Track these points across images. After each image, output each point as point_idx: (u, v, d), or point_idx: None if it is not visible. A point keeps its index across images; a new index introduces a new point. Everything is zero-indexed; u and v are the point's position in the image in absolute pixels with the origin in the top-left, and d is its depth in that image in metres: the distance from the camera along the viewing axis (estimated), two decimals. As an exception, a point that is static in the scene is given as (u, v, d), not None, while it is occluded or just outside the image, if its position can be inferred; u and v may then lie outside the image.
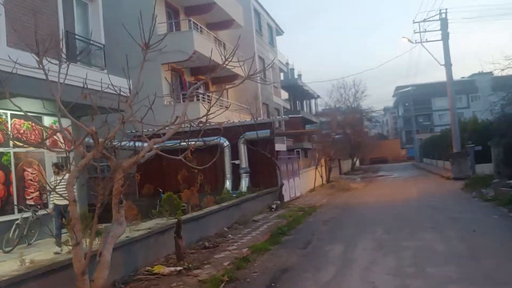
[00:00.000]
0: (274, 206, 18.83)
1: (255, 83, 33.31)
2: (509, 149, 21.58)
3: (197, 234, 11.60)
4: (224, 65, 7.78)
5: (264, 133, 20.35)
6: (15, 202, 14.08)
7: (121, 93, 7.69)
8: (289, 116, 38.17)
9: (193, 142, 18.25)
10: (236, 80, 31.46)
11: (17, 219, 13.17)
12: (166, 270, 8.58)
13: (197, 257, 9.94)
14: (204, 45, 25.13)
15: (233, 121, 21.61)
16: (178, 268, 8.64)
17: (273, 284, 7.86)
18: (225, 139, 20.31)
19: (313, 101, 65.91)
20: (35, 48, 6.87)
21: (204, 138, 18.75)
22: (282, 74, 49.85)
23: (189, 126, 7.94)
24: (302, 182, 26.47)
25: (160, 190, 19.78)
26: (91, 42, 16.38)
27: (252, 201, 17.44)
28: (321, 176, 32.54)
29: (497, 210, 14.85)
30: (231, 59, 7.56)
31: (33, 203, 14.64)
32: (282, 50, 71.24)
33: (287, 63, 51.91)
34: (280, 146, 23.73)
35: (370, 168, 58.77)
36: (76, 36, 15.94)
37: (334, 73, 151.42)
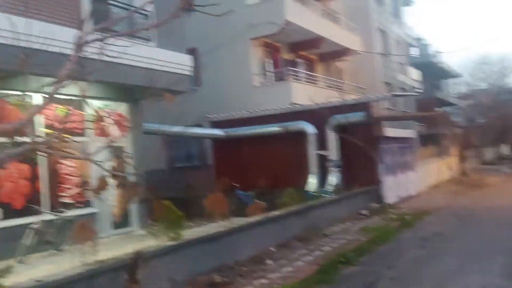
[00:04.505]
0: (366, 211, 14.68)
1: (374, 60, 28.86)
2: None
3: (214, 260, 8.23)
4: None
5: (357, 116, 16.21)
6: (44, 201, 12.04)
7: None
8: (415, 96, 32.77)
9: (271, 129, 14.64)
10: (347, 56, 27.36)
11: (39, 221, 11.05)
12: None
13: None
14: (302, 14, 21.39)
15: (321, 103, 17.73)
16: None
17: None
18: (311, 124, 16.62)
19: (451, 80, 58.20)
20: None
21: (283, 123, 15.49)
22: (413, 50, 43.91)
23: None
24: (420, 177, 21.62)
25: (236, 185, 16.88)
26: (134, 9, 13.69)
27: (332, 206, 13.55)
28: (451, 169, 26.97)
29: None
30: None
31: (70, 202, 12.53)
32: (414, 23, 63.78)
33: (420, 38, 45.65)
34: (395, 132, 19.36)
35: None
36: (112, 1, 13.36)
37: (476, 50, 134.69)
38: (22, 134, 4.13)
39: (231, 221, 9.85)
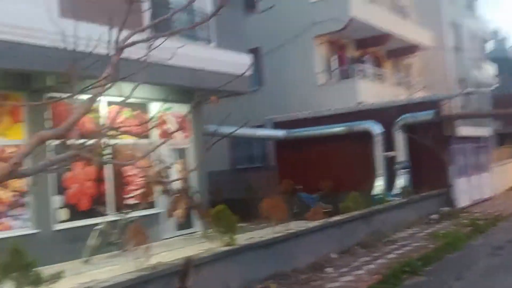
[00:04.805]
0: (436, 216, 13.89)
1: (445, 56, 27.54)
2: None
3: (270, 267, 8.00)
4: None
5: (426, 115, 15.39)
6: (109, 202, 12.32)
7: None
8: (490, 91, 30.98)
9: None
10: (416, 52, 26.26)
11: (109, 221, 11.31)
12: None
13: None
14: (368, 10, 20.73)
15: (388, 101, 17.02)
16: None
17: None
18: (377, 124, 16.00)
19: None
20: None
21: (348, 123, 15.01)
22: (489, 45, 41.58)
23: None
24: (495, 179, 20.31)
25: (299, 187, 16.59)
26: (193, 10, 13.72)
27: (398, 210, 12.93)
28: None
29: None
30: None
31: (134, 203, 12.76)
32: (489, 15, 60.54)
33: (496, 31, 43.23)
34: (469, 131, 18.31)
35: None
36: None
37: None
38: (71, 136, 4.07)
39: (290, 225, 9.60)
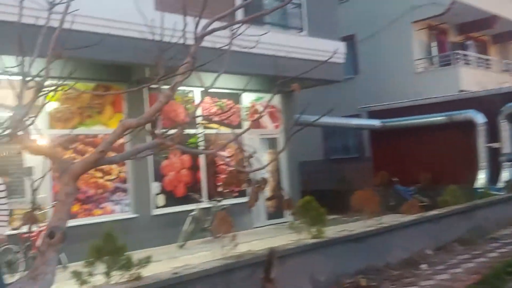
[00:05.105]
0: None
1: None
2: None
3: (360, 261, 7.76)
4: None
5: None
6: (203, 190, 12.71)
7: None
8: None
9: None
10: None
11: (202, 208, 11.69)
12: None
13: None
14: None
15: (493, 89, 15.83)
16: None
17: None
18: (480, 113, 14.98)
19: None
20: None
21: (448, 113, 14.23)
22: None
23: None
24: None
25: (395, 179, 16.05)
26: None
27: (503, 205, 11.99)
28: None
29: None
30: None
31: (227, 191, 13.04)
32: None
33: None
34: None
35: None
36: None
37: None
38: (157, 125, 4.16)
39: (383, 219, 9.28)
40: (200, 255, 9.25)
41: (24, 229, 7.58)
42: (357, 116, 18.42)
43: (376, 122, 17.35)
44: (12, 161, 9.73)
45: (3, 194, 6.21)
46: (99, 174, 10.83)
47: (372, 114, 17.91)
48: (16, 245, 8.65)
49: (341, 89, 17.21)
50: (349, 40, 18.31)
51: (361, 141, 19.84)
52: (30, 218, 5.05)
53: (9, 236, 7.47)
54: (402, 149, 16.54)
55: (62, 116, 10.47)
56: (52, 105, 10.14)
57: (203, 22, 3.96)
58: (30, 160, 9.29)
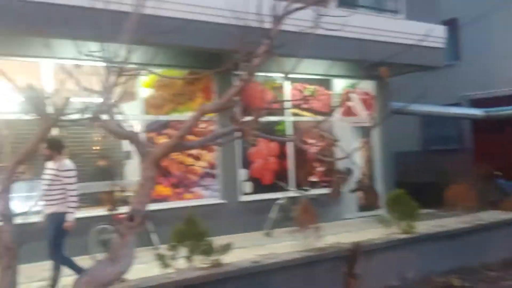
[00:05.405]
0: None
1: None
2: None
3: (453, 260, 7.26)
4: None
5: None
6: (290, 178, 12.60)
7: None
8: None
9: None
10: None
11: (289, 197, 11.65)
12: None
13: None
14: None
15: None
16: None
17: None
18: None
19: None
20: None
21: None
22: None
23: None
24: None
25: (498, 173, 14.94)
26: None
27: None
28: None
29: None
30: None
31: (315, 180, 12.86)
32: None
33: None
34: None
35: None
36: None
37: None
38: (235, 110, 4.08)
39: (481, 215, 8.63)
40: (285, 245, 9.16)
41: (119, 210, 7.90)
42: (457, 105, 17.33)
43: (478, 112, 16.21)
44: (111, 145, 10.18)
45: (73, 180, 6.12)
46: (190, 159, 11.09)
47: (474, 103, 16.76)
48: (112, 225, 9.07)
49: (441, 76, 16.25)
50: (451, 24, 17.18)
51: (462, 132, 18.67)
52: (122, 200, 5.21)
53: (106, 216, 7.85)
54: (507, 141, 15.35)
55: (156, 103, 10.80)
56: (147, 92, 10.49)
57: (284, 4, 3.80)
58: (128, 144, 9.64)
